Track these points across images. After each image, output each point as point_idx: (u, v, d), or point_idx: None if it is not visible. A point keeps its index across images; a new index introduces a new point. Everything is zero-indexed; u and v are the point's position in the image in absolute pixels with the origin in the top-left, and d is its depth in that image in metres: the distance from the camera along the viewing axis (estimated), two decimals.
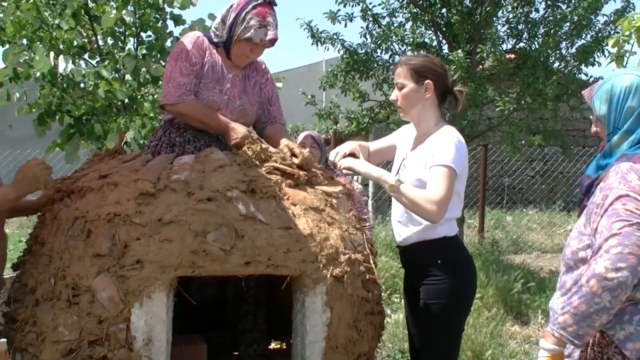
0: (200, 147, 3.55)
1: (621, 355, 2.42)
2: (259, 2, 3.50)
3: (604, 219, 2.41)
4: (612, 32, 7.72)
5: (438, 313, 3.23)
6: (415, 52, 8.25)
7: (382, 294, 3.58)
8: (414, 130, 3.43)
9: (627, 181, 2.41)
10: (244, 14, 3.49)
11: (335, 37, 8.19)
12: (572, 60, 8.23)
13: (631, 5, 7.93)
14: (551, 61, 8.22)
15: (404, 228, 3.34)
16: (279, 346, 4.01)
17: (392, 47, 8.24)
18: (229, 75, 3.61)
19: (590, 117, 2.70)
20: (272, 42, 3.51)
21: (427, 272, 3.26)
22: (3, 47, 5.75)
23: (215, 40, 3.60)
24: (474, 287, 3.40)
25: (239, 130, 3.43)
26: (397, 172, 3.40)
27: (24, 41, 5.72)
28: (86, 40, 6.12)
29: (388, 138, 3.69)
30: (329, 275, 3.13)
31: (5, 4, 5.62)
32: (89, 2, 5.85)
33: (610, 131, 2.59)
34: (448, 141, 3.19)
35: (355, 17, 8.24)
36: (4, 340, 3.36)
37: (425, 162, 3.21)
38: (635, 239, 2.31)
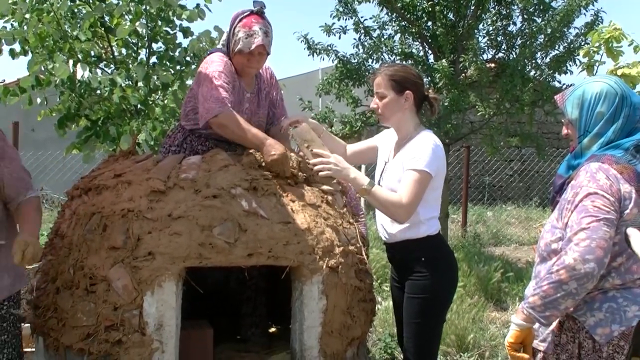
0: (210, 146, 3.54)
1: (591, 339, 2.43)
2: (246, 13, 3.45)
3: (574, 214, 2.42)
4: (583, 44, 7.72)
5: (420, 307, 3.23)
6: (394, 62, 8.25)
7: (374, 283, 3.58)
8: (395, 135, 3.42)
9: (596, 180, 2.42)
10: (234, 28, 3.45)
11: (329, 48, 8.19)
12: (547, 69, 8.24)
13: (600, 19, 7.94)
14: (527, 70, 8.22)
15: (389, 227, 3.32)
16: (279, 331, 4.00)
17: (382, 57, 8.23)
18: (247, 95, 3.58)
19: (562, 120, 2.71)
20: (262, 48, 3.40)
21: (411, 268, 3.25)
22: (26, 56, 5.75)
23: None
24: (455, 283, 3.40)
25: (277, 146, 3.27)
26: (381, 175, 3.39)
27: (46, 51, 5.71)
28: (102, 50, 6.11)
29: (369, 140, 3.67)
30: (324, 266, 3.13)
31: (28, 16, 5.61)
32: (105, 15, 5.84)
33: (581, 134, 2.59)
34: (425, 145, 3.19)
35: (348, 29, 8.24)
36: (28, 325, 3.37)
37: (404, 165, 3.20)
38: (602, 233, 2.33)
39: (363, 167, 13.22)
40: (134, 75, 5.74)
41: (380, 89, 3.31)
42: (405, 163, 3.19)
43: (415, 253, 3.24)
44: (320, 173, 3.25)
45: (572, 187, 2.49)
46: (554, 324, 2.53)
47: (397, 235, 3.29)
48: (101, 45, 6.11)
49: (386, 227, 3.35)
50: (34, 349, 3.47)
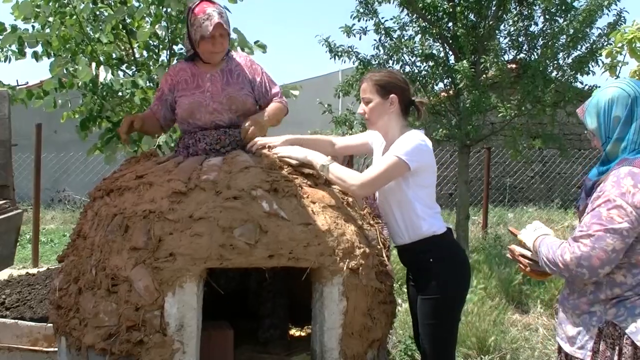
0: (210, 142, 3.63)
1: (632, 345, 2.41)
2: (196, 2, 3.61)
3: (588, 216, 2.47)
4: (605, 44, 7.65)
5: (433, 308, 3.24)
6: (418, 62, 8.26)
7: (394, 285, 3.57)
8: (382, 140, 3.46)
9: (620, 186, 2.42)
10: (190, 20, 3.60)
11: (350, 50, 8.19)
12: (569, 70, 8.18)
13: (622, 18, 7.87)
14: (549, 71, 8.16)
15: (394, 231, 3.36)
16: (299, 333, 4.01)
17: (402, 58, 8.23)
18: (208, 76, 3.68)
19: (585, 132, 2.72)
20: (220, 27, 3.53)
21: (421, 269, 3.28)
22: (49, 58, 5.80)
23: (188, 54, 3.73)
24: (467, 282, 3.40)
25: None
26: None
27: (68, 54, 5.76)
28: (124, 52, 6.15)
29: (360, 135, 3.74)
30: (345, 268, 3.12)
31: (51, 19, 5.66)
32: (127, 18, 5.88)
33: (604, 141, 2.60)
34: (410, 139, 3.22)
35: (368, 30, 8.24)
36: (50, 325, 3.40)
37: None
38: (604, 244, 2.40)
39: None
40: (155, 77, 5.77)
41: (366, 94, 3.36)
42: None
43: (423, 254, 3.26)
44: (281, 154, 3.39)
45: (600, 189, 2.50)
46: (593, 330, 2.52)
47: (404, 238, 3.31)
48: (123, 48, 6.15)
49: (394, 230, 3.37)
50: (56, 349, 3.50)
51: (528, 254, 2.86)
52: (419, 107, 3.44)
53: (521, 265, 2.91)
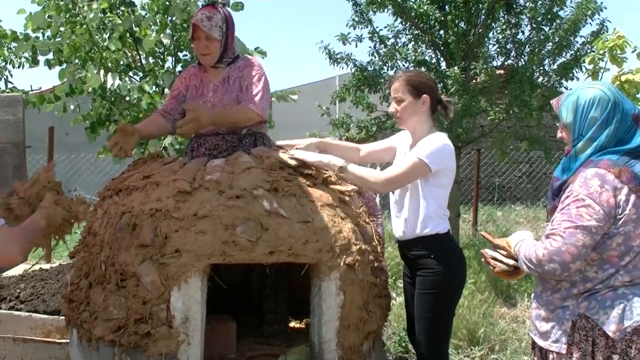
0: (208, 146, 3.62)
1: (604, 336, 2.42)
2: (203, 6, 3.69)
3: (559, 215, 2.49)
4: (588, 51, 7.66)
5: (430, 302, 3.24)
6: (411, 68, 8.25)
7: (389, 280, 3.58)
8: (410, 137, 3.43)
9: (588, 186, 2.43)
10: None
11: (349, 56, 8.18)
12: (554, 76, 8.18)
13: (605, 27, 7.88)
14: (536, 76, 8.16)
15: (401, 226, 3.34)
16: (298, 325, 4.01)
17: (396, 64, 8.22)
18: (211, 85, 3.67)
19: (558, 123, 2.70)
20: (197, 29, 3.51)
21: (422, 265, 3.27)
22: (61, 66, 5.80)
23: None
24: (463, 279, 3.40)
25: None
26: None
27: (78, 61, 5.77)
28: (131, 59, 6.16)
29: (386, 141, 3.67)
30: (342, 263, 3.13)
31: (62, 29, 5.67)
32: (134, 26, 5.88)
33: (575, 137, 2.58)
34: (434, 141, 3.21)
35: (364, 38, 8.23)
36: (63, 317, 3.40)
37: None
38: (574, 240, 2.41)
39: (378, 167, 13.18)
40: (161, 82, 5.78)
41: (398, 93, 3.32)
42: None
43: (425, 250, 3.25)
44: (296, 156, 3.37)
45: (567, 190, 2.51)
46: (567, 324, 2.52)
47: (408, 234, 3.30)
48: (130, 55, 6.16)
49: (398, 226, 3.36)
50: (68, 341, 3.50)
51: (499, 256, 2.88)
52: (447, 106, 3.42)
53: (490, 267, 2.93)
